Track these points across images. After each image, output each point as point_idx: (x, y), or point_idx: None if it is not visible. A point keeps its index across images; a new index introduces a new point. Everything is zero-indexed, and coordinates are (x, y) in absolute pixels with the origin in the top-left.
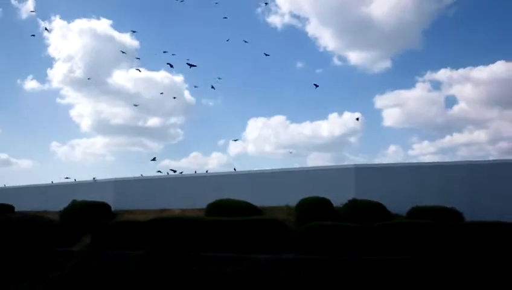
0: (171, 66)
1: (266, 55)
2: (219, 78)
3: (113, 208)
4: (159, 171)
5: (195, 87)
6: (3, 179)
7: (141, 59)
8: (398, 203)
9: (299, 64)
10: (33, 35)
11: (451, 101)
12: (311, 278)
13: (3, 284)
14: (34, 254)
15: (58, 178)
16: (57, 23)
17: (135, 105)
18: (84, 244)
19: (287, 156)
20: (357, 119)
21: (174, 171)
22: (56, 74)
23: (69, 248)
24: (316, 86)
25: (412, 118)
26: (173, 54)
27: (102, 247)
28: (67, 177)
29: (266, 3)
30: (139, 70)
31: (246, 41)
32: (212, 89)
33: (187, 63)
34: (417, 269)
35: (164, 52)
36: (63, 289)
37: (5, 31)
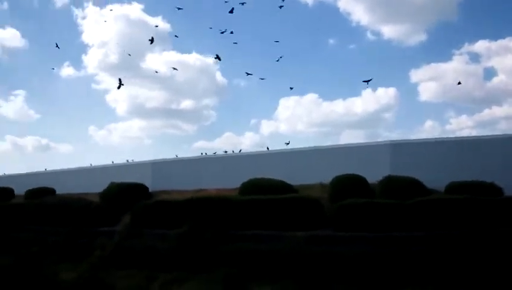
0: (219, 58)
1: (276, 42)
2: (235, 43)
3: (150, 189)
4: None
5: (248, 74)
6: (45, 163)
7: (173, 42)
8: (436, 179)
9: (331, 41)
10: (57, 46)
11: (490, 73)
12: (346, 255)
13: (49, 264)
14: (76, 234)
15: (97, 161)
16: (90, 9)
17: (174, 68)
18: (125, 224)
19: (320, 134)
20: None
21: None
22: (91, 60)
23: (110, 228)
24: (367, 81)
25: (449, 92)
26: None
27: (142, 226)
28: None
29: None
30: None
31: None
32: (249, 75)
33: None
34: (454, 244)
35: (175, 36)
36: (105, 267)
37: (40, 20)
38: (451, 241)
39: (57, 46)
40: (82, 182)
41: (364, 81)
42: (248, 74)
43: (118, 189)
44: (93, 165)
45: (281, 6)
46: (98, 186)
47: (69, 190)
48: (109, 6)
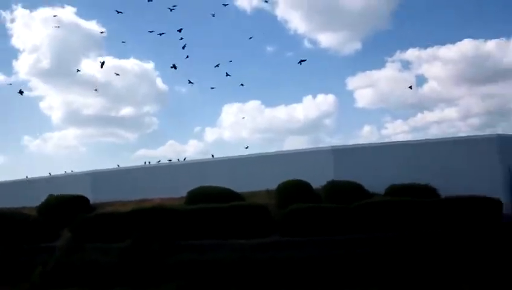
0: (175, 67)
1: (179, 31)
2: (187, 57)
3: (91, 201)
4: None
5: (190, 82)
6: None
7: (108, 48)
8: (376, 183)
9: (270, 48)
10: None
11: (421, 80)
12: (292, 260)
13: None
14: (14, 252)
15: (33, 173)
16: (19, 12)
17: (95, 90)
18: (65, 239)
19: (264, 141)
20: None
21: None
22: (22, 66)
23: (50, 244)
24: (302, 61)
25: (384, 98)
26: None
27: (83, 240)
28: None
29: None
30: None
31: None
32: (191, 83)
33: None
34: (396, 246)
35: (122, 42)
36: (47, 286)
37: None
38: (391, 243)
39: None
40: (18, 195)
41: (300, 61)
42: (190, 82)
43: (57, 202)
44: (29, 177)
45: (225, 5)
46: (36, 200)
47: (3, 204)
48: (43, 10)
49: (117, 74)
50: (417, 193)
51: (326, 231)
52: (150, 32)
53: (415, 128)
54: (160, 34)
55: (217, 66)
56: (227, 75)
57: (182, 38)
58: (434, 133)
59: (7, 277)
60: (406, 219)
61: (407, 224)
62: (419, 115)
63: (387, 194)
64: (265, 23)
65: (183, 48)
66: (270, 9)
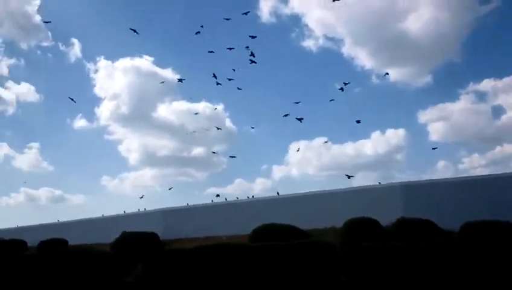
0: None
1: (297, 102)
2: (239, 88)
3: (161, 238)
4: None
5: (286, 115)
6: (58, 214)
7: (182, 92)
8: (449, 220)
9: (337, 85)
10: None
11: (498, 111)
12: None
13: None
14: (89, 286)
15: (110, 211)
16: (102, 63)
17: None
18: (137, 275)
19: (331, 178)
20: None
21: (218, 196)
22: (103, 112)
23: (122, 279)
24: (358, 122)
25: (459, 131)
26: (218, 84)
27: (154, 276)
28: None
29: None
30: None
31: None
32: (252, 128)
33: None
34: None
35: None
36: None
37: (54, 74)
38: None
39: (72, 100)
40: (94, 232)
41: (356, 121)
42: (252, 128)
43: (130, 238)
44: (104, 215)
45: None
46: (110, 236)
47: (81, 241)
48: (124, 61)
49: (196, 113)
50: (495, 231)
51: (396, 270)
52: (229, 80)
53: (494, 161)
54: (230, 80)
55: (286, 115)
56: (298, 119)
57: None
58: None
59: None
60: (480, 258)
61: (481, 263)
62: (498, 148)
63: (461, 232)
64: (332, 61)
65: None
66: (337, 48)
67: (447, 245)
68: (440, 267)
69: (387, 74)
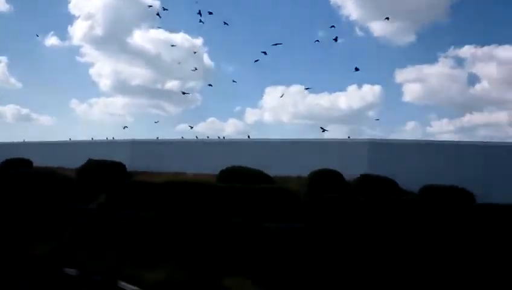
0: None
1: (277, 44)
2: (225, 23)
3: (128, 169)
4: None
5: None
6: (24, 134)
7: (161, 20)
8: (411, 181)
9: (320, 33)
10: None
11: (473, 79)
12: (319, 248)
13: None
14: (51, 210)
15: (77, 136)
16: None
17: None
18: (99, 203)
19: (304, 126)
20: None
21: (191, 127)
22: (76, 32)
23: (85, 206)
24: (357, 69)
25: (433, 95)
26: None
27: (117, 206)
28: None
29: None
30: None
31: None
32: (226, 24)
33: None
34: (422, 248)
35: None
36: (77, 246)
37: None
38: (416, 245)
39: None
40: (59, 156)
41: (355, 69)
42: (225, 24)
43: (96, 166)
44: (72, 139)
45: None
46: (76, 162)
47: (46, 163)
48: None
49: (173, 45)
50: (452, 196)
51: (354, 224)
52: (210, 13)
53: (462, 129)
54: (210, 13)
55: (256, 61)
56: (263, 52)
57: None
58: (481, 135)
59: (40, 233)
60: (437, 220)
61: (437, 226)
62: (468, 116)
63: (420, 194)
64: (318, 7)
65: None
66: None
67: (403, 204)
68: (395, 225)
69: (387, 18)
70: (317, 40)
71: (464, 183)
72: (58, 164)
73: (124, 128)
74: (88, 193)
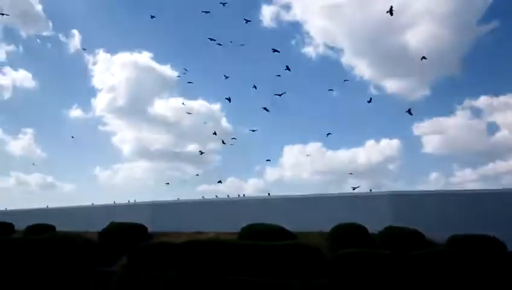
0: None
1: (287, 69)
2: (255, 87)
3: (149, 230)
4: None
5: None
6: (48, 201)
7: (180, 89)
8: (436, 232)
9: (335, 93)
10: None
11: (492, 128)
12: None
13: None
14: (73, 273)
15: (100, 201)
16: (101, 56)
17: (189, 113)
18: (122, 265)
19: (324, 183)
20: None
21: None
22: (99, 103)
23: (107, 268)
24: (410, 113)
25: (453, 145)
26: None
27: (139, 268)
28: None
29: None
30: (183, 104)
31: (287, 69)
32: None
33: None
34: None
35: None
36: None
37: (52, 63)
38: None
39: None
40: (82, 220)
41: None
42: (253, 131)
43: (117, 228)
44: (94, 203)
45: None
46: (98, 225)
47: (68, 228)
48: (123, 55)
49: (189, 113)
50: (481, 245)
51: (380, 279)
52: (226, 77)
53: (486, 177)
54: (226, 77)
55: (281, 94)
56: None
57: (254, 87)
58: (505, 183)
59: None
60: (467, 270)
61: (467, 276)
62: (491, 165)
63: (448, 244)
64: (331, 70)
65: (280, 94)
66: (336, 57)
67: (433, 256)
68: (425, 278)
69: (424, 57)
70: (331, 89)
71: (492, 231)
72: (80, 229)
73: (166, 184)
74: (110, 256)
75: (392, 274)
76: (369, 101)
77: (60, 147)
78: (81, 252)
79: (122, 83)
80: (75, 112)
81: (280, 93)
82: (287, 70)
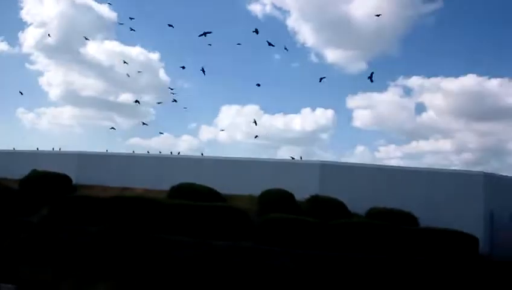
0: (204, 71)
1: (238, 44)
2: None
3: (74, 182)
4: None
5: (183, 68)
6: None
7: (117, 33)
8: (359, 203)
9: (277, 56)
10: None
11: (420, 108)
12: (266, 268)
13: None
14: None
15: (22, 146)
16: None
17: (125, 62)
18: (42, 216)
19: (258, 146)
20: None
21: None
22: (28, 39)
23: (27, 218)
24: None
25: (381, 121)
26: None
27: (61, 220)
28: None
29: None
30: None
31: (256, 31)
32: (183, 68)
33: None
34: (369, 268)
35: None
36: (16, 260)
37: None
38: (365, 264)
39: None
40: (2, 166)
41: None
42: (202, 71)
43: (40, 177)
44: (16, 149)
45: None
46: (19, 172)
47: None
48: None
49: (125, 62)
50: (397, 219)
51: (303, 244)
52: (170, 26)
53: (408, 155)
54: (170, 26)
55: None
56: (202, 70)
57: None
58: (427, 162)
59: None
60: (384, 243)
61: (384, 248)
62: (414, 143)
63: (367, 216)
64: (276, 31)
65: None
66: (282, 19)
67: (351, 226)
68: (342, 246)
69: (378, 15)
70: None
71: (409, 207)
72: (1, 175)
73: (111, 128)
74: (31, 206)
75: (314, 241)
76: (320, 80)
77: None
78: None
79: (54, 19)
80: (0, 45)
81: (204, 32)
82: (255, 33)
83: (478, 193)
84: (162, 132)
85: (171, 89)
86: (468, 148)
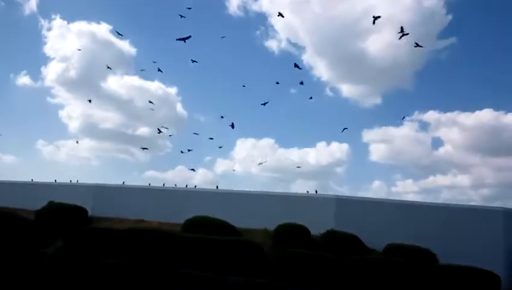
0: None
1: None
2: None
3: (90, 213)
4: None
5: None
6: None
7: (136, 67)
8: (375, 238)
9: (293, 91)
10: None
11: (437, 142)
12: None
13: None
14: (5, 252)
15: (41, 177)
16: (57, 22)
17: (150, 102)
18: (57, 247)
19: (273, 180)
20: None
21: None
22: (50, 73)
23: (42, 249)
24: (297, 66)
25: (398, 156)
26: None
27: (74, 252)
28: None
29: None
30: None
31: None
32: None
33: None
34: None
35: (154, 62)
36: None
37: (6, 25)
38: None
39: None
40: (20, 197)
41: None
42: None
43: (56, 209)
44: (34, 180)
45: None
46: (36, 203)
47: (5, 203)
48: (80, 24)
49: (151, 102)
50: (415, 256)
51: (319, 281)
52: (193, 62)
53: (426, 190)
54: (194, 61)
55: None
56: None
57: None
58: (444, 197)
59: None
60: (402, 280)
61: (402, 286)
62: (431, 178)
63: (385, 252)
64: (291, 66)
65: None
66: (298, 54)
67: (371, 263)
68: (362, 283)
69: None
70: (277, 82)
71: (427, 243)
72: (18, 205)
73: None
74: (46, 237)
75: (330, 277)
76: (311, 98)
77: (2, 114)
78: (16, 230)
79: (76, 54)
80: (23, 79)
81: (183, 37)
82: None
83: (498, 228)
84: (193, 168)
85: (151, 103)
86: (485, 183)
